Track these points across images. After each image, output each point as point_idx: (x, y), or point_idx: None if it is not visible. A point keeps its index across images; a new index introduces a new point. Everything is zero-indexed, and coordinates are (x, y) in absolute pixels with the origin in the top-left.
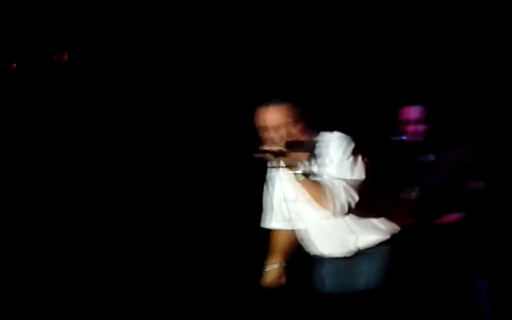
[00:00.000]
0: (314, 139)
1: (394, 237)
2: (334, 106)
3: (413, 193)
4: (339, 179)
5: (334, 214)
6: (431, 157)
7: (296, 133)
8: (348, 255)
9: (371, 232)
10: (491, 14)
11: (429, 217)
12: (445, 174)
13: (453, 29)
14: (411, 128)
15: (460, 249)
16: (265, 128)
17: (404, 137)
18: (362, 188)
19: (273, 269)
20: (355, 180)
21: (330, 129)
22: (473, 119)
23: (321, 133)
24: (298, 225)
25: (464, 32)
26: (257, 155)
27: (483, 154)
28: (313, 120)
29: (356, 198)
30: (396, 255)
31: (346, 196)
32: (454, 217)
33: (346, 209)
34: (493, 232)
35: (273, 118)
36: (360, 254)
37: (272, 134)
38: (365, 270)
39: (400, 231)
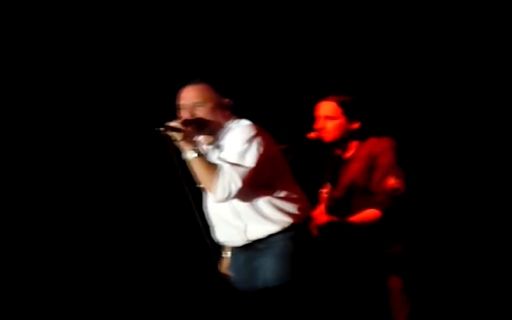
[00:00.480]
0: (221, 123)
1: (289, 230)
2: (257, 98)
3: (326, 190)
4: (227, 163)
5: (216, 198)
6: (344, 153)
7: (201, 114)
8: (241, 243)
9: (262, 223)
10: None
11: (343, 214)
12: (359, 169)
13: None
14: (322, 124)
15: (374, 246)
16: (179, 106)
17: (316, 133)
18: (251, 176)
19: (225, 258)
20: (245, 167)
21: (247, 118)
22: (390, 114)
23: (234, 119)
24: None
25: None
26: (158, 129)
27: (401, 148)
28: (230, 107)
29: (240, 185)
30: (294, 251)
31: (230, 181)
32: (368, 214)
33: (228, 194)
34: (410, 230)
35: (185, 97)
36: (255, 246)
37: (182, 113)
38: (261, 265)
39: (300, 226)
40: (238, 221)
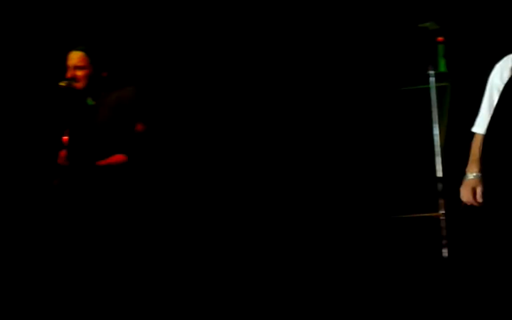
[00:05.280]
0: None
1: None
2: None
3: (67, 137)
4: None
5: None
6: (91, 101)
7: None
8: None
9: None
10: None
11: (89, 159)
12: (106, 117)
13: None
14: (71, 73)
15: (121, 190)
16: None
17: (67, 82)
18: None
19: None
20: None
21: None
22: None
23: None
24: None
25: None
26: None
27: (148, 96)
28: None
29: None
30: None
31: None
32: (116, 158)
33: None
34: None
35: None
36: None
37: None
38: None
39: None
40: None
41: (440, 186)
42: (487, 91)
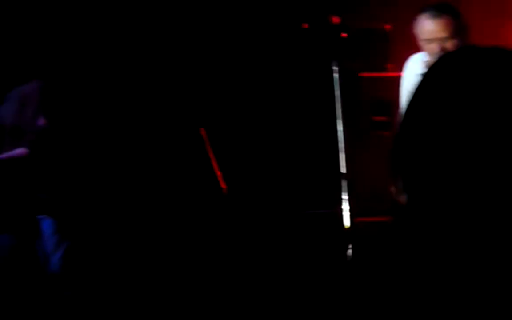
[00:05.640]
0: None
1: None
2: None
3: None
4: None
5: None
6: None
7: None
8: None
9: None
10: None
11: None
12: (8, 111)
13: None
14: None
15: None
16: None
17: None
18: None
19: None
20: None
21: None
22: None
23: None
24: None
25: None
26: None
27: (52, 91)
28: None
29: None
30: None
31: None
32: (17, 153)
33: None
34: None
35: None
36: None
37: None
38: None
39: None
40: None
41: (343, 182)
42: (402, 94)
